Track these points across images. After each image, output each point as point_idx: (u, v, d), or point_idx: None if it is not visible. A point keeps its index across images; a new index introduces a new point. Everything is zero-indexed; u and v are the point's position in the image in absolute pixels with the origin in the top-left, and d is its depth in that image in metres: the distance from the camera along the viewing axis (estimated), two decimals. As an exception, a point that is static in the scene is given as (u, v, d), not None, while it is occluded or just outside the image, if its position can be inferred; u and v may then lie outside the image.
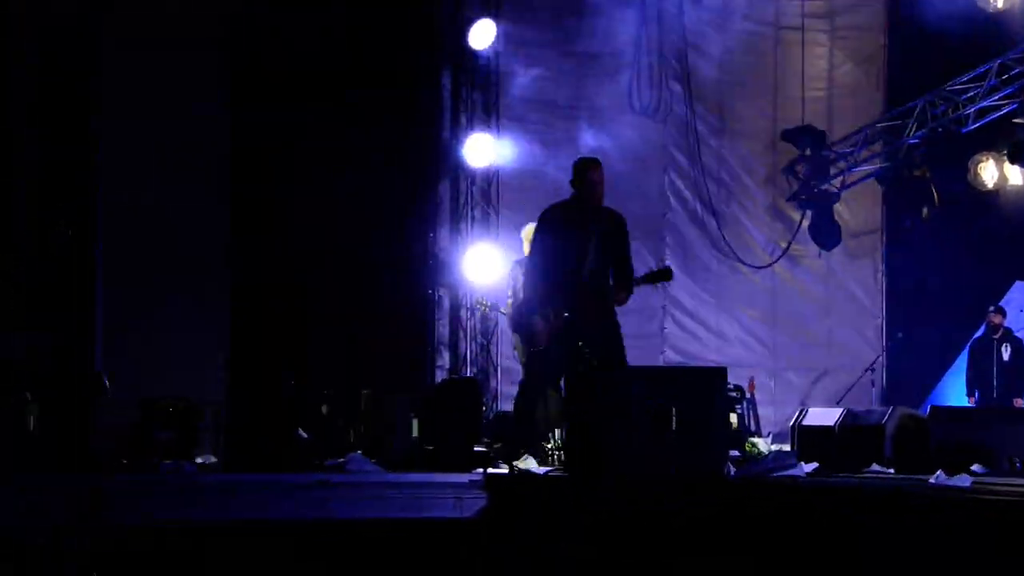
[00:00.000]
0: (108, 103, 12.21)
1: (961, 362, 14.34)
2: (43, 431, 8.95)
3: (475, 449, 9.85)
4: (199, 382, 11.78)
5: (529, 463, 9.94)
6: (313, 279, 12.86)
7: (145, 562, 8.47)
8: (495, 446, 10.51)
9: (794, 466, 8.58)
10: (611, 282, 8.85)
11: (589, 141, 13.94)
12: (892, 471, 9.11)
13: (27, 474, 8.68)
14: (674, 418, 8.36)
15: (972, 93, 13.46)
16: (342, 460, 9.70)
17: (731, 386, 11.53)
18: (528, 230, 11.03)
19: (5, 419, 9.08)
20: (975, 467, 8.66)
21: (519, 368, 13.69)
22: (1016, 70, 13.09)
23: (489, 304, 11.32)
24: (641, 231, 14.27)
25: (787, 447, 10.59)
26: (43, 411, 9.03)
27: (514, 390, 13.44)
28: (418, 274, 13.81)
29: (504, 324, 13.75)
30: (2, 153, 11.75)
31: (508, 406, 13.14)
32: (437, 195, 13.99)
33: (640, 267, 14.21)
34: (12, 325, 11.03)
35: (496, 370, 13.75)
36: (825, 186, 14.76)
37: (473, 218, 13.94)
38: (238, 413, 10.25)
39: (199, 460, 9.80)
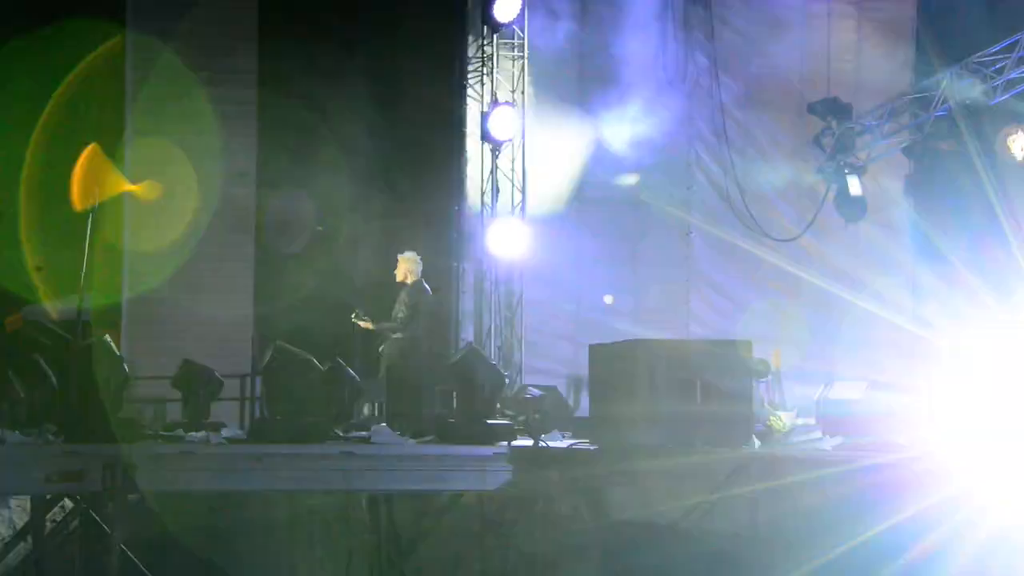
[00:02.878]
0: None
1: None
2: (76, 399, 9.04)
3: (500, 422, 9.87)
4: (225, 354, 11.93)
5: (554, 435, 10.02)
6: (338, 250, 12.89)
7: (172, 529, 8.61)
8: (520, 418, 10.59)
9: (819, 440, 8.59)
10: None
11: (615, 114, 13.94)
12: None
13: (59, 442, 8.79)
14: (698, 391, 8.38)
15: (1001, 64, 13.31)
16: (367, 432, 9.78)
17: (756, 360, 11.49)
18: (409, 259, 11.48)
19: (42, 387, 9.22)
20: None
21: (544, 341, 13.86)
22: (1047, 41, 12.92)
23: (364, 316, 11.47)
24: (665, 204, 14.31)
25: (811, 421, 10.59)
26: (70, 379, 9.13)
27: (538, 363, 13.93)
28: (442, 247, 13.81)
29: (529, 298, 13.81)
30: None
31: (532, 379, 13.21)
32: (461, 168, 13.99)
33: (665, 243, 14.44)
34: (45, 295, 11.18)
35: (520, 343, 13.78)
36: (851, 159, 14.67)
37: (497, 191, 13.93)
38: (263, 385, 10.33)
39: (225, 432, 9.87)
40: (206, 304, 12.75)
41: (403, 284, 11.68)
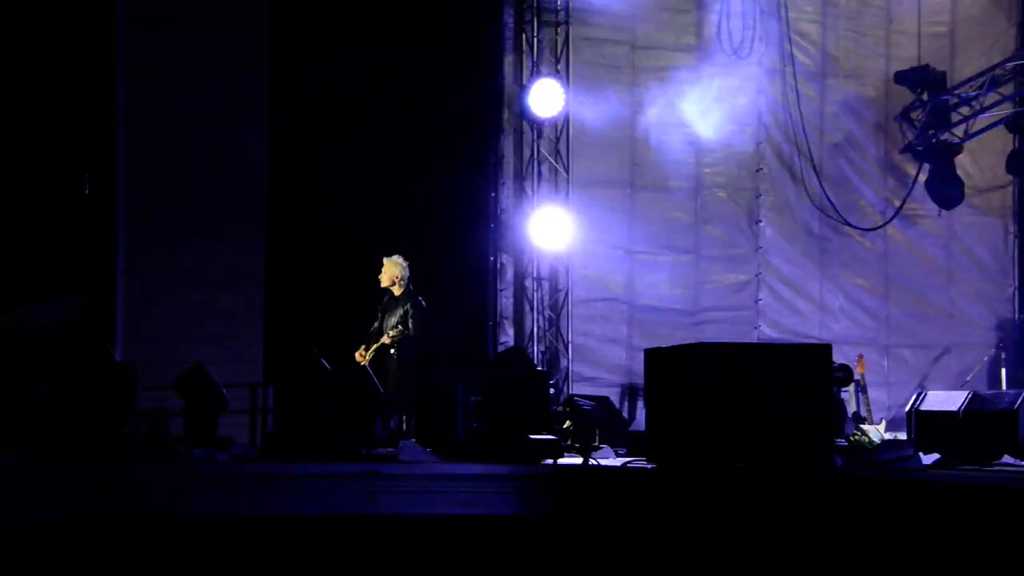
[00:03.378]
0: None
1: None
2: (68, 413, 9.04)
3: (544, 437, 9.80)
4: (232, 362, 11.92)
5: (605, 452, 9.91)
6: (359, 244, 12.87)
7: (174, 557, 8.57)
8: (567, 433, 10.49)
9: (911, 458, 8.45)
10: None
11: (670, 86, 13.82)
12: (1027, 463, 8.97)
13: (52, 459, 8.78)
14: (770, 402, 8.29)
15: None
16: (393, 450, 9.79)
17: (836, 366, 11.36)
18: (397, 263, 11.55)
19: (28, 399, 9.23)
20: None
21: (593, 346, 13.77)
22: None
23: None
24: (731, 189, 14.17)
25: (902, 436, 10.43)
26: (65, 391, 9.14)
27: (588, 370, 13.86)
28: (478, 239, 13.79)
29: (576, 296, 13.73)
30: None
31: (581, 388, 13.16)
32: (499, 150, 13.91)
33: (731, 233, 14.32)
34: (34, 294, 11.24)
35: (567, 348, 13.68)
36: (945, 135, 14.47)
37: (540, 175, 13.86)
38: (277, 396, 10.30)
39: (233, 449, 9.90)
40: (213, 303, 12.76)
41: (387, 291, 11.68)
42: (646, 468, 8.90)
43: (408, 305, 11.49)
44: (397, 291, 11.61)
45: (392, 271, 11.63)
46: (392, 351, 11.38)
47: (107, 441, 9.08)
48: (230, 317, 12.78)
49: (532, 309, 13.79)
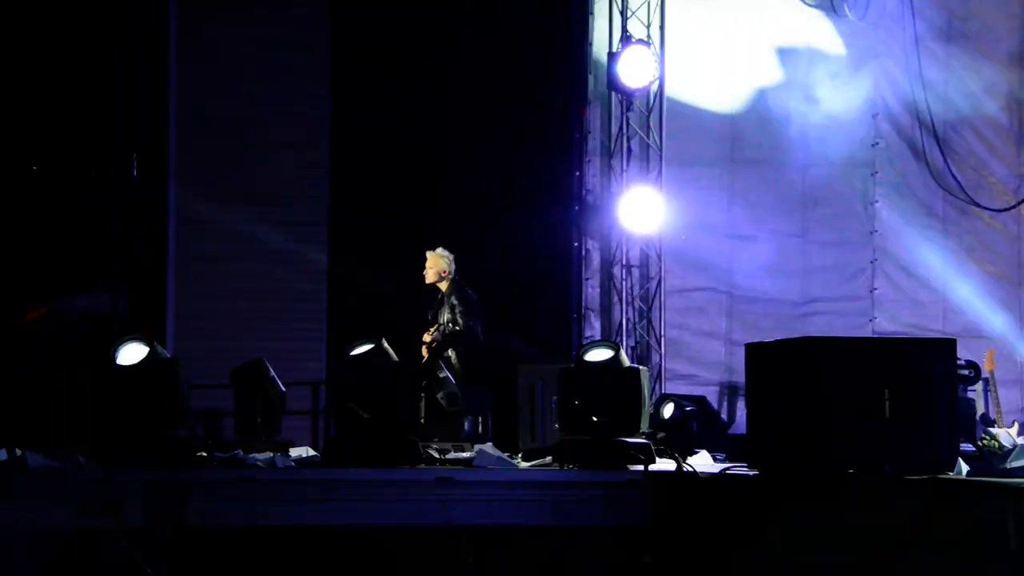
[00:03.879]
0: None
1: None
2: (112, 413, 9.18)
3: (634, 440, 9.78)
4: (292, 359, 12.07)
5: (703, 458, 9.88)
6: (429, 230, 12.98)
7: (228, 571, 8.69)
8: (659, 436, 10.48)
9: (1048, 464, 8.34)
10: None
11: (775, 52, 13.79)
12: None
13: (99, 465, 8.95)
14: (887, 403, 8.22)
15: None
16: (468, 454, 9.79)
17: (962, 362, 11.25)
18: (442, 256, 11.60)
19: (69, 399, 9.38)
20: None
21: (688, 340, 13.75)
22: None
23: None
24: (844, 166, 14.06)
25: (1037, 440, 10.30)
26: (109, 390, 9.27)
27: (682, 367, 13.84)
28: (561, 223, 13.85)
29: (670, 285, 13.70)
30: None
31: (674, 387, 13.16)
32: (584, 124, 13.94)
33: (844, 215, 14.22)
34: (77, 285, 11.46)
35: (659, 342, 13.70)
36: (1091, 102, 14.30)
37: (629, 152, 13.85)
38: (340, 395, 10.38)
39: (294, 452, 9.97)
40: (271, 295, 12.92)
41: (434, 287, 11.75)
42: (748, 475, 8.86)
43: (454, 298, 11.55)
44: (444, 286, 11.70)
45: (437, 264, 11.71)
46: (448, 352, 11.43)
47: (155, 444, 9.17)
48: (290, 310, 12.96)
49: (621, 300, 13.80)
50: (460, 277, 11.83)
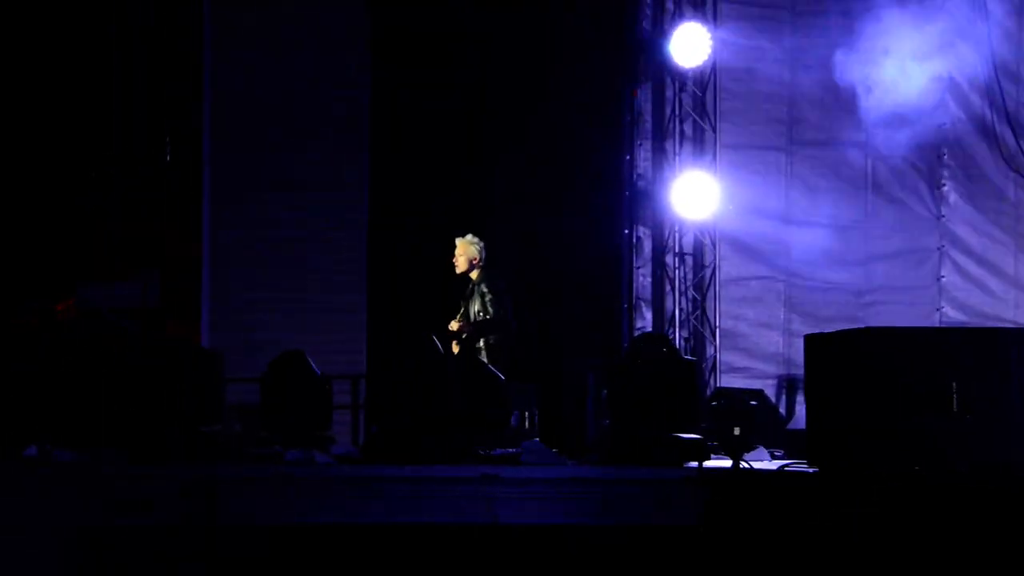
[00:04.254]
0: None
1: None
2: (145, 407, 9.28)
3: (688, 436, 9.87)
4: (332, 351, 12.14)
5: (760, 455, 9.92)
6: (472, 216, 13.02)
7: (268, 571, 8.77)
8: (715, 432, 10.53)
9: None
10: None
11: (835, 29, 13.73)
12: None
13: (131, 462, 9.08)
14: (955, 397, 8.23)
15: None
16: (515, 450, 9.87)
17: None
18: (472, 243, 11.56)
19: (102, 392, 9.48)
20: None
21: (745, 331, 13.76)
22: None
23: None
24: (908, 148, 13.99)
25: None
26: (143, 382, 9.37)
27: (738, 359, 13.82)
28: (611, 209, 13.87)
29: (725, 274, 13.75)
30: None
31: (729, 380, 13.21)
32: (635, 106, 13.95)
33: (911, 200, 14.17)
34: (107, 273, 11.56)
35: (714, 333, 13.71)
36: None
37: (682, 135, 13.88)
38: (382, 389, 10.44)
39: (333, 449, 10.07)
40: (310, 285, 13.02)
41: (465, 276, 11.74)
42: (808, 472, 8.90)
43: (484, 286, 11.56)
44: (475, 275, 11.68)
45: (467, 252, 11.69)
46: (479, 343, 11.47)
47: (191, 439, 9.25)
48: (329, 301, 13.03)
49: (674, 289, 13.83)
50: (491, 265, 11.79)
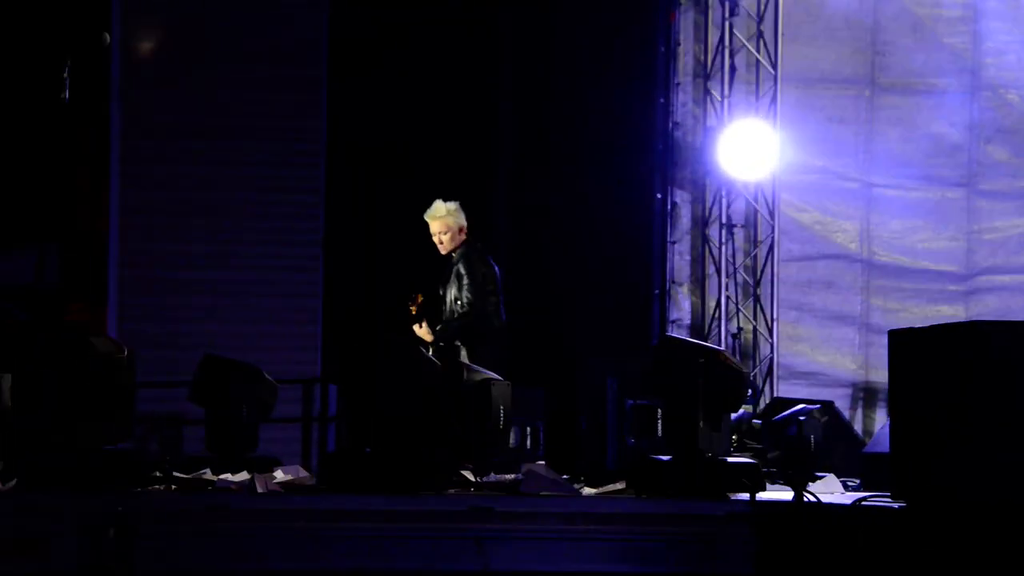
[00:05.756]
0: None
1: None
2: (36, 418, 9.22)
3: (738, 459, 9.85)
4: (277, 350, 12.11)
5: (830, 484, 9.83)
6: (462, 171, 12.98)
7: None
8: (771, 455, 10.54)
9: None
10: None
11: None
12: None
13: (17, 490, 8.99)
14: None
15: None
16: (513, 475, 9.85)
17: None
18: (450, 213, 11.48)
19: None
20: None
21: (811, 325, 13.74)
22: None
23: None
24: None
25: None
26: (32, 386, 9.30)
27: (801, 362, 13.78)
28: (638, 168, 13.89)
29: (786, 251, 13.74)
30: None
31: (791, 389, 13.24)
32: (672, 34, 13.94)
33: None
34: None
35: (771, 329, 13.74)
36: None
37: (732, 71, 13.91)
38: (342, 396, 10.41)
39: (279, 474, 10.04)
40: (248, 265, 12.97)
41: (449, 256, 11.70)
42: (892, 507, 8.82)
43: (461, 266, 11.49)
44: (451, 245, 11.59)
45: (446, 222, 11.58)
46: (457, 343, 11.46)
47: (94, 461, 9.21)
48: (275, 282, 13.02)
49: (719, 271, 13.88)
50: (475, 239, 11.68)
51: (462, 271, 11.49)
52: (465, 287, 11.45)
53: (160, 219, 12.96)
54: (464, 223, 11.60)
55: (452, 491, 9.45)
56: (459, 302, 11.45)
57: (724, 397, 9.81)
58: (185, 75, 13.12)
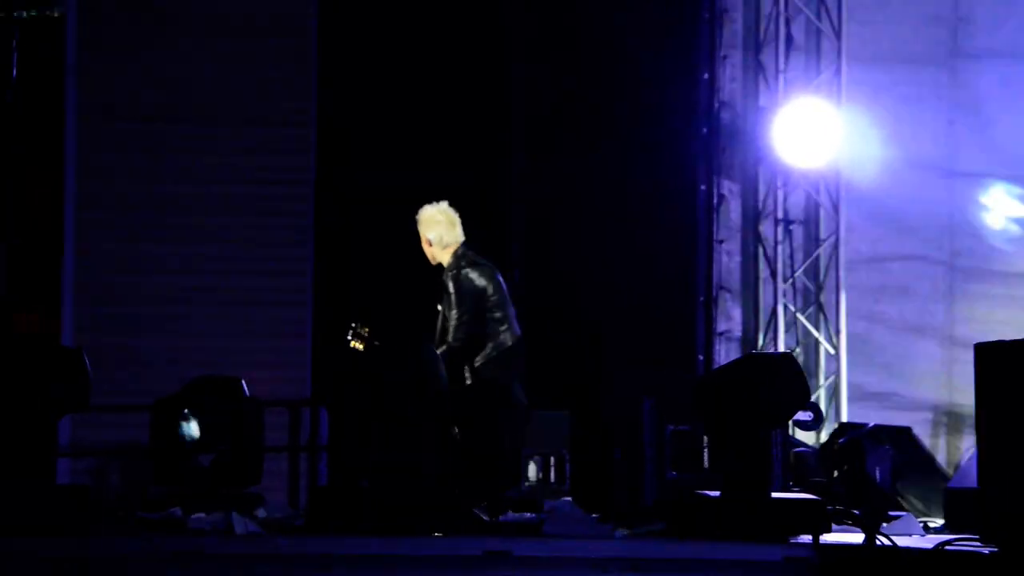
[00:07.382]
0: None
1: None
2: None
3: (796, 495, 9.85)
4: (261, 369, 12.11)
5: (907, 524, 9.79)
6: (475, 155, 12.99)
7: None
8: (836, 489, 10.55)
9: None
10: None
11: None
12: None
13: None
14: None
15: None
16: (535, 515, 9.92)
17: None
18: (439, 218, 11.53)
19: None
20: None
21: (883, 338, 13.72)
22: None
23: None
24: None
25: None
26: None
27: (872, 381, 13.74)
28: (680, 155, 13.93)
29: (854, 252, 13.75)
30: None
31: (861, 412, 13.17)
32: (718, 1, 13.98)
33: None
34: None
35: (837, 342, 13.72)
36: None
37: (789, 43, 13.93)
38: (336, 422, 10.43)
39: (262, 512, 10.09)
40: (223, 267, 12.99)
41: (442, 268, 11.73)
42: (981, 552, 8.78)
43: (448, 281, 11.51)
44: (443, 256, 11.60)
45: (434, 230, 11.58)
46: (464, 370, 11.50)
47: (44, 497, 9.21)
48: (257, 288, 13.03)
49: (774, 274, 13.91)
50: (468, 247, 11.65)
51: (450, 288, 11.53)
52: (454, 302, 11.48)
53: (122, 216, 12.96)
54: (455, 229, 11.59)
55: (464, 533, 9.44)
56: (450, 322, 11.47)
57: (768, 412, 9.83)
58: (151, 48, 13.10)
